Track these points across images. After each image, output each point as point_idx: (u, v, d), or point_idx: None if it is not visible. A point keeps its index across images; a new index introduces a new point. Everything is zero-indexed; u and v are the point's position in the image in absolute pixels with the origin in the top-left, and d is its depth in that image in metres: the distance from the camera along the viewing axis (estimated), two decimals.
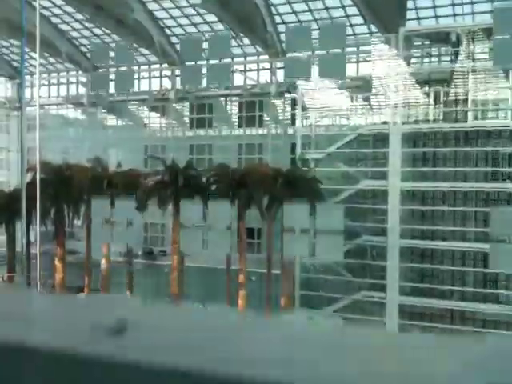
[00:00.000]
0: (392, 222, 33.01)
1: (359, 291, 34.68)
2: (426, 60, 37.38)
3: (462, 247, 31.88)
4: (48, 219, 30.59)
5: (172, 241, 24.77)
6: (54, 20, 45.26)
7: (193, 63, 41.81)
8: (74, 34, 46.79)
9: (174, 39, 44.28)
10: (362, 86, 37.14)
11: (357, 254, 34.47)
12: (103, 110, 49.78)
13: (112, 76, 47.95)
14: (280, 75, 42.08)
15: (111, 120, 50.37)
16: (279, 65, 42.37)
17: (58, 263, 30.15)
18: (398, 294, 33.48)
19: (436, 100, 33.53)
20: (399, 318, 33.63)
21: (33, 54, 42.87)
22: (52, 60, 50.16)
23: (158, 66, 47.08)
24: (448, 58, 35.22)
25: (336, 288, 35.23)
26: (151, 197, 25.57)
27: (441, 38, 34.09)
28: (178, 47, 44.64)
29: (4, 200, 39.41)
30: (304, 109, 38.40)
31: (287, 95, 41.46)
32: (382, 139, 35.10)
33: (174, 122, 46.32)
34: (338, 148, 34.90)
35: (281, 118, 42.69)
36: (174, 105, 45.83)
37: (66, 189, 27.90)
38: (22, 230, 33.26)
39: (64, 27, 46.27)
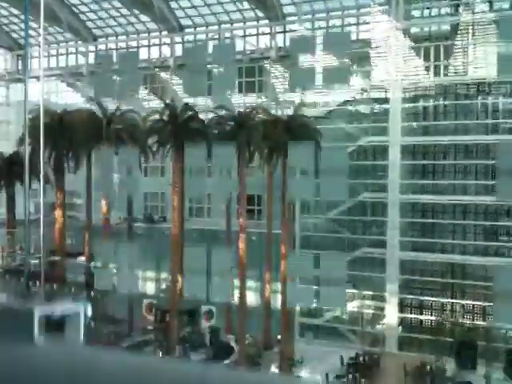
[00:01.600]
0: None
1: (359, 248, 34.64)
2: (426, 16, 37.19)
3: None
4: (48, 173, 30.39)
5: (173, 182, 24.47)
6: None
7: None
8: (74, 0, 46.55)
9: (173, 4, 44.06)
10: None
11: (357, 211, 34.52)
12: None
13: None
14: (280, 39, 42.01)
15: None
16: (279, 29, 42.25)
17: (58, 211, 30.02)
18: (398, 250, 33.48)
19: (436, 55, 33.47)
20: (400, 274, 33.65)
21: (32, 24, 42.70)
22: (51, 30, 49.92)
23: (157, 33, 46.85)
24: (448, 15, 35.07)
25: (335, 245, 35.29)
26: (151, 135, 25.44)
27: None
28: (178, 14, 44.59)
29: (3, 162, 39.41)
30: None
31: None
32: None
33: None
34: (338, 106, 34.96)
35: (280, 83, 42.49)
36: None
37: (65, 133, 27.72)
38: (25, 193, 33.16)
39: None
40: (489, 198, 31.10)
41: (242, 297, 30.17)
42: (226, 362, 30.02)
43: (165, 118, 24.54)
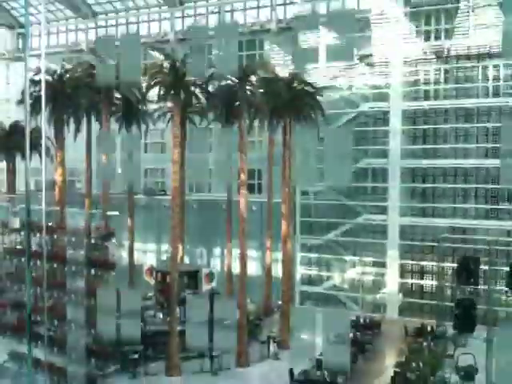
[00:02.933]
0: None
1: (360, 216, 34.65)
2: None
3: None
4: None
5: (173, 135, 24.15)
6: None
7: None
8: None
9: None
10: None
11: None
12: None
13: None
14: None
15: None
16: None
17: (58, 170, 29.89)
18: (398, 216, 33.46)
19: (437, 21, 33.47)
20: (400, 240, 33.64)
21: (32, 2, 42.66)
22: (51, 7, 49.82)
23: (157, 9, 46.75)
24: None
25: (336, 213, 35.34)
26: (151, 88, 25.34)
27: None
28: None
29: (4, 133, 39.38)
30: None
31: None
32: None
33: None
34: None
35: None
36: None
37: (66, 91, 27.62)
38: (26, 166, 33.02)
39: None
40: (490, 161, 31.13)
41: (243, 259, 29.96)
42: (226, 322, 29.95)
43: (165, 70, 24.47)
